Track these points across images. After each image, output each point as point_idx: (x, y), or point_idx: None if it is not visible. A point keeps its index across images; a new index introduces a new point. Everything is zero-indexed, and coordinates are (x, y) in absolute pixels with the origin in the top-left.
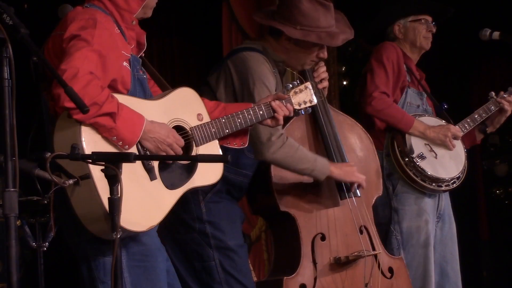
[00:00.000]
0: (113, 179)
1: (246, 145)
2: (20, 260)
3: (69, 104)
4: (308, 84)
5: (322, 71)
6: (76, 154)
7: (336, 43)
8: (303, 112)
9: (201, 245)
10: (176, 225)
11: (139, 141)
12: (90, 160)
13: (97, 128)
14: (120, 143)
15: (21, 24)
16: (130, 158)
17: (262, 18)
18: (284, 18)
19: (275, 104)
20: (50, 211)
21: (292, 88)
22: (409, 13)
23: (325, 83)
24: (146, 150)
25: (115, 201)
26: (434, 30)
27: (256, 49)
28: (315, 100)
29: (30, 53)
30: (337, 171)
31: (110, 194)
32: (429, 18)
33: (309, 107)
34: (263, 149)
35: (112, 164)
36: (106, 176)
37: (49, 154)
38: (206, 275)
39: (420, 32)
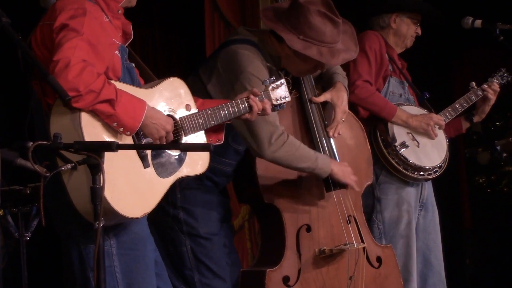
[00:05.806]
0: (95, 168)
1: (222, 142)
2: (3, 250)
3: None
4: (283, 80)
5: None
6: (58, 143)
7: (335, 63)
8: (278, 108)
9: (174, 230)
10: (155, 208)
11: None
12: (72, 150)
13: (98, 114)
14: (121, 129)
15: (2, 13)
16: (112, 147)
17: (270, 19)
18: (290, 24)
19: (252, 100)
20: (40, 199)
21: (270, 83)
22: (413, 10)
23: None
24: (142, 136)
25: (97, 191)
26: (420, 33)
27: (250, 41)
28: (289, 97)
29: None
30: (337, 170)
31: (93, 184)
32: (419, 20)
33: (284, 103)
34: (263, 148)
35: (94, 153)
36: (88, 165)
37: (31, 143)
38: (178, 259)
39: (411, 30)
